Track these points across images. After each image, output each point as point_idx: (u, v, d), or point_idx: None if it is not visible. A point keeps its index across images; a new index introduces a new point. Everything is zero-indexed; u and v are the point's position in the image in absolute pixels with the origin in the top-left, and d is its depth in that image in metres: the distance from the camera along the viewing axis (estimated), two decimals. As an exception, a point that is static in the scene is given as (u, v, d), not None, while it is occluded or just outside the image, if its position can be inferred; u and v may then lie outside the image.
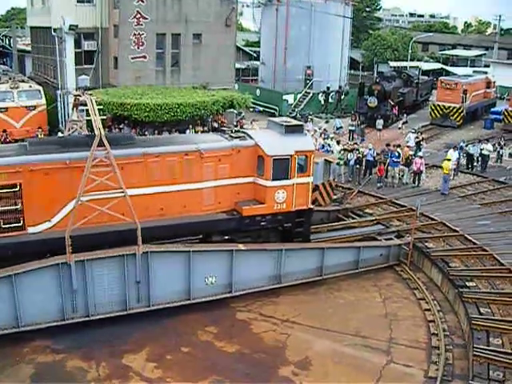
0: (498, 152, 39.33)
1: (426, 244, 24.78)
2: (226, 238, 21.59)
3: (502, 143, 40.59)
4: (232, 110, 39.36)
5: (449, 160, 32.50)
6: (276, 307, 20.74)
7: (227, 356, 17.82)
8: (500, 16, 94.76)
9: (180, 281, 19.49)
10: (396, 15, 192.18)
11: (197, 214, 20.69)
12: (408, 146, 37.60)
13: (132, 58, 39.61)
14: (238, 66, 59.41)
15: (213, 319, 19.69)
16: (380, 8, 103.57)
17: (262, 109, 56.47)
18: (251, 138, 21.64)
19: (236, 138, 21.68)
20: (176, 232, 20.60)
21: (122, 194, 18.06)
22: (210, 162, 20.62)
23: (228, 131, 23.09)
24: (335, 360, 17.84)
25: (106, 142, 17.86)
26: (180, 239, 21.40)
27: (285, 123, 22.37)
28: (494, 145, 39.32)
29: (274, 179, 21.20)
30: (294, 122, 23.51)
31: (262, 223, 21.74)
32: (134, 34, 39.26)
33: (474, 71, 73.16)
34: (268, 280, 21.25)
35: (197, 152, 20.34)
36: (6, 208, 17.84)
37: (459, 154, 36.46)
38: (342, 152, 34.24)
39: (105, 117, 21.73)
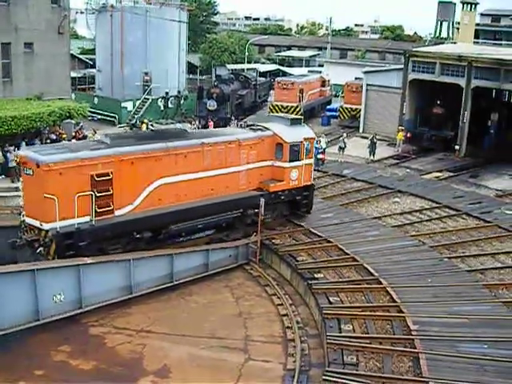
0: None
1: (273, 241, 25.46)
2: (255, 211, 25.07)
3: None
4: (69, 120, 38.17)
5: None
6: (129, 318, 20.45)
7: (84, 374, 17.31)
8: (331, 18, 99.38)
9: (27, 301, 18.58)
10: (232, 19, 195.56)
11: (235, 192, 25.18)
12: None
13: (-41, 71, 37.32)
14: (73, 74, 57.66)
15: (65, 337, 19.02)
16: (217, 13, 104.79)
17: (100, 117, 55.16)
18: (268, 129, 26.53)
19: (257, 130, 26.72)
20: (223, 208, 24.59)
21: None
22: (245, 149, 25.31)
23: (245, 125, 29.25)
24: (194, 364, 17.91)
25: None
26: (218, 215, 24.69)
27: (289, 117, 28.26)
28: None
29: (290, 161, 26.17)
30: (295, 116, 31.15)
31: (282, 197, 26.66)
32: (-40, 45, 37.01)
33: (309, 71, 75.77)
34: (119, 291, 20.90)
35: (237, 141, 24.94)
36: (101, 194, 20.56)
37: None
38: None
39: None
